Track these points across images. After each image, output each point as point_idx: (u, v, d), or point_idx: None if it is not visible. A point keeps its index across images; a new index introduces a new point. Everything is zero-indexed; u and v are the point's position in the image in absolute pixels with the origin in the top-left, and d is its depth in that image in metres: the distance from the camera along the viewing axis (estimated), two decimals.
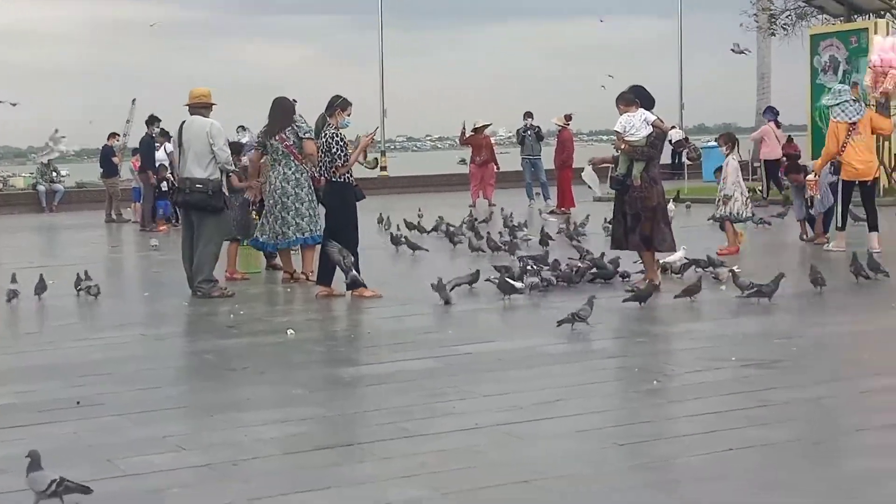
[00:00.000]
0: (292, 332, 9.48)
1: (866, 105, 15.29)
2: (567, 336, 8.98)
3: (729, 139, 14.92)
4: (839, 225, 14.49)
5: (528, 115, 25.44)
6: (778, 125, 24.19)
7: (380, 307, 10.89)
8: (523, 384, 7.30)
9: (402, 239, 16.01)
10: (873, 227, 14.28)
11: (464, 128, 25.22)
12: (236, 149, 13.82)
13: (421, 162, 62.22)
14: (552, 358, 8.15)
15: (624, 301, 10.36)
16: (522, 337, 9.08)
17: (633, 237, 11.47)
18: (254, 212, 13.56)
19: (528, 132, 25.28)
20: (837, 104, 14.36)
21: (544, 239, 15.32)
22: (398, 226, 18.14)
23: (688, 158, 25.55)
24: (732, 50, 28.72)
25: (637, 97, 11.62)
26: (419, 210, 20.37)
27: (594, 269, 12.09)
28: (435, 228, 17.52)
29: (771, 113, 24.69)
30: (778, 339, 8.77)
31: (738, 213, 14.51)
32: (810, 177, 14.86)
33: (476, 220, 18.51)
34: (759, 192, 22.55)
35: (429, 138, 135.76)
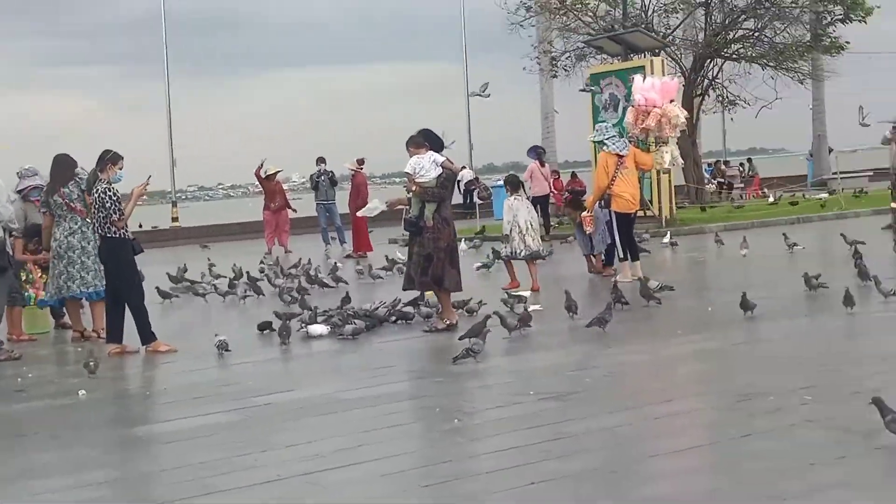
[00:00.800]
0: (84, 392, 9.17)
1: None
2: (366, 381, 8.98)
3: (509, 182, 15.28)
4: (621, 256, 15.03)
5: (321, 160, 25.43)
6: (542, 164, 25.16)
7: (176, 361, 10.66)
8: (324, 432, 7.26)
9: (205, 288, 15.83)
10: (635, 257, 15.03)
11: (262, 164, 24.96)
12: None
13: (214, 211, 61.35)
14: (352, 403, 8.12)
15: (460, 338, 10.26)
16: (321, 384, 9.03)
17: (425, 277, 11.59)
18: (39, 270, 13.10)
19: (322, 177, 25.25)
20: (608, 138, 15.07)
21: (333, 281, 15.52)
22: (202, 274, 17.78)
23: (479, 198, 26.04)
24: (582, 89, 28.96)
25: (426, 140, 11.80)
26: (209, 260, 19.90)
27: (396, 310, 12.20)
28: (237, 277, 17.12)
29: (534, 153, 25.43)
30: (572, 370, 8.98)
31: (515, 252, 14.74)
32: (585, 214, 15.42)
33: (280, 265, 18.37)
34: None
35: (220, 187, 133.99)
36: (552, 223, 25.87)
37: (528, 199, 16.20)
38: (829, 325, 10.54)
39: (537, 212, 23.58)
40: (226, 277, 17.06)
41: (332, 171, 25.73)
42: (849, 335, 10.25)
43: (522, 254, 14.66)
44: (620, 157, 15.05)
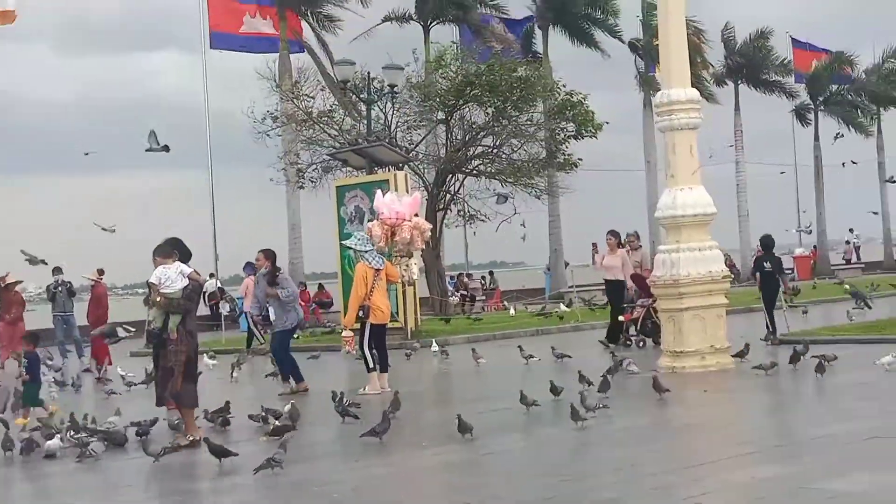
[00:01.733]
0: None
1: None
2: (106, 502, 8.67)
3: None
4: (371, 367, 15.13)
5: (58, 270, 24.53)
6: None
7: None
8: None
9: None
10: (384, 368, 15.26)
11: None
12: None
13: None
14: None
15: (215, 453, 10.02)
16: None
17: (166, 392, 11.36)
18: None
19: (60, 288, 24.32)
20: (367, 251, 15.30)
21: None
22: None
23: (224, 310, 25.78)
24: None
25: (175, 249, 11.64)
26: None
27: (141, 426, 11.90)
28: None
29: (250, 268, 25.20)
30: (318, 486, 8.95)
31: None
32: (346, 333, 15.50)
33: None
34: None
35: None
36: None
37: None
38: (564, 437, 10.83)
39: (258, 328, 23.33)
40: None
41: (69, 282, 24.72)
42: (583, 446, 10.60)
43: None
44: (377, 270, 15.31)
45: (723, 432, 10.99)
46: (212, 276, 33.69)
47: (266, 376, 17.36)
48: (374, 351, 15.24)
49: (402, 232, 15.82)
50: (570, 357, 17.23)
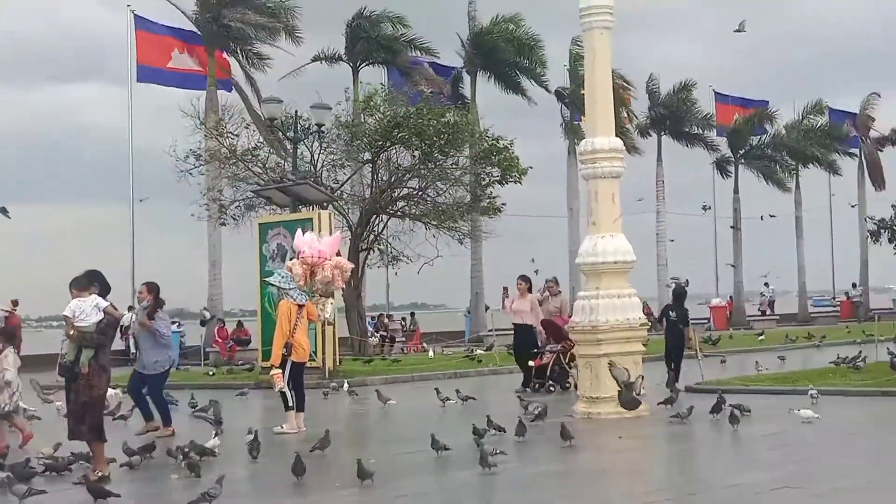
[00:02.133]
0: None
1: None
2: None
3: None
4: (290, 405, 14.98)
5: None
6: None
7: None
8: None
9: None
10: (300, 407, 15.14)
11: None
12: None
13: None
14: None
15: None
16: None
17: (83, 427, 11.16)
18: None
19: None
20: (291, 289, 15.22)
21: None
22: None
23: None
24: None
25: (93, 282, 11.47)
26: None
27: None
28: None
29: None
30: None
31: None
32: (274, 371, 15.21)
33: None
34: None
35: None
36: None
37: None
38: (475, 481, 10.76)
39: None
40: None
41: None
42: (494, 490, 10.55)
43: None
44: (301, 306, 15.21)
45: (637, 478, 11.07)
46: (130, 309, 33.24)
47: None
48: (293, 390, 15.11)
49: (324, 271, 15.74)
50: (474, 399, 17.61)
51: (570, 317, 17.99)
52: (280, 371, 15.04)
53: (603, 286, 15.97)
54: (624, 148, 17.08)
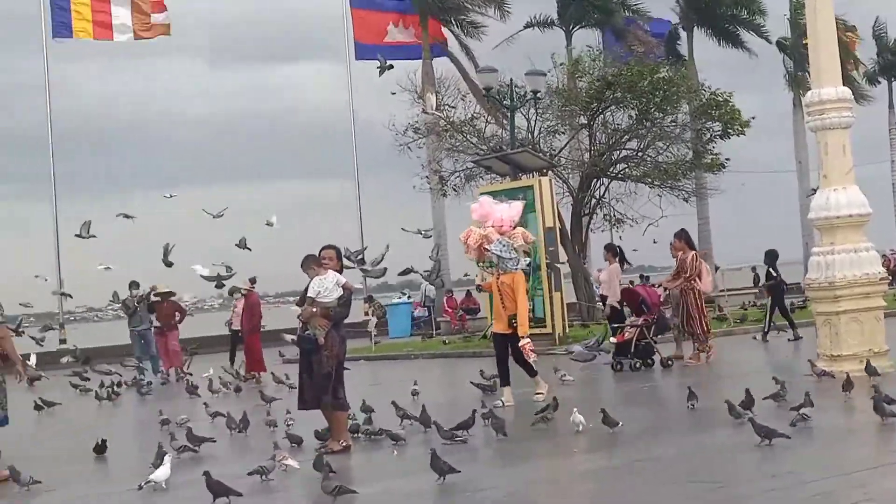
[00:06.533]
0: None
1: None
2: None
3: None
4: (535, 370, 15.07)
5: (135, 284, 24.24)
6: None
7: None
8: None
9: None
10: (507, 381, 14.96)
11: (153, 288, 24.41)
12: None
13: (103, 332, 60.01)
14: None
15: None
16: None
17: (326, 397, 11.49)
18: None
19: (140, 303, 24.00)
20: (512, 258, 14.97)
21: None
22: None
23: (374, 315, 26.13)
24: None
25: (340, 258, 12.00)
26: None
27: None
28: None
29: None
30: (469, 492, 8.97)
31: None
32: (525, 342, 14.97)
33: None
34: None
35: (111, 308, 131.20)
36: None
37: None
38: (712, 441, 10.66)
39: None
40: None
41: (147, 297, 24.12)
42: (739, 451, 10.39)
43: None
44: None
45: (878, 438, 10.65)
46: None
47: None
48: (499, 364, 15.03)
49: (518, 238, 15.58)
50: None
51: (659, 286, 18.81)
52: (529, 341, 14.92)
53: (838, 241, 15.42)
54: (852, 97, 16.44)
